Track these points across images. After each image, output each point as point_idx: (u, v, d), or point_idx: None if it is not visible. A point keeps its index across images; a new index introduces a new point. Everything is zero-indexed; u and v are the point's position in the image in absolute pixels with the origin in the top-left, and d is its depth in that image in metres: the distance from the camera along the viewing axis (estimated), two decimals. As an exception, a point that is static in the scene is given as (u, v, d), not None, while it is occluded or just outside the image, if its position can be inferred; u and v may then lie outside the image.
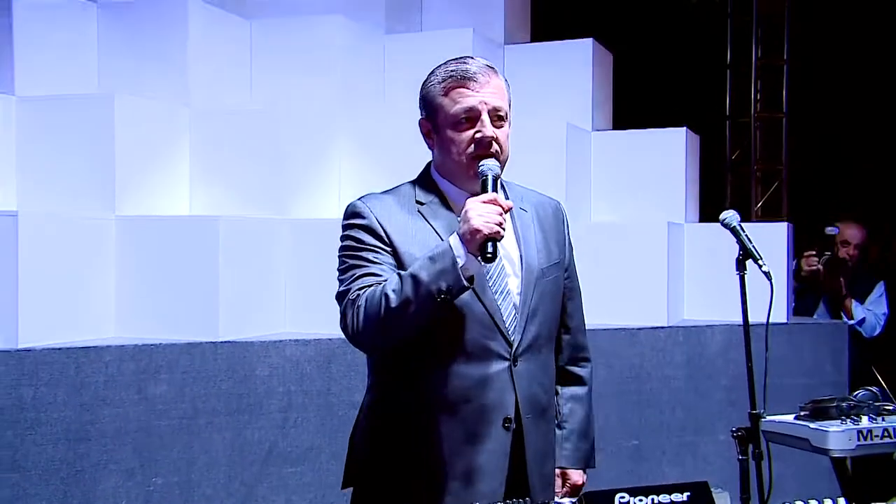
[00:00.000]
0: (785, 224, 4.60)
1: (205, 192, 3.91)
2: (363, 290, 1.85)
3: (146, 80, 3.97)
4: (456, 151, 1.92)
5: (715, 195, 6.31)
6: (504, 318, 1.92)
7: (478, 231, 1.76)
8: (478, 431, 1.89)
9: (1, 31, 3.75)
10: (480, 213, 1.78)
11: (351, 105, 4.30)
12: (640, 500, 1.49)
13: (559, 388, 2.13)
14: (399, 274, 1.83)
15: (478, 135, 1.90)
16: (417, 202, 1.96)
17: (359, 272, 1.88)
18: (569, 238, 2.13)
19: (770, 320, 2.03)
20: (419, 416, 1.91)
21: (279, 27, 4.33)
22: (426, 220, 1.94)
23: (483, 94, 1.91)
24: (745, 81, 6.72)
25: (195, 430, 3.23)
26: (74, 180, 3.58)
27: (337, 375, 3.43)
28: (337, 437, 3.39)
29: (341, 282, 1.92)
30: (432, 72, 1.99)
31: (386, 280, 1.83)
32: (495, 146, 1.91)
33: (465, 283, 1.79)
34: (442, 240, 1.86)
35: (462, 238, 1.79)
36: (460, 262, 1.78)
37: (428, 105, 1.98)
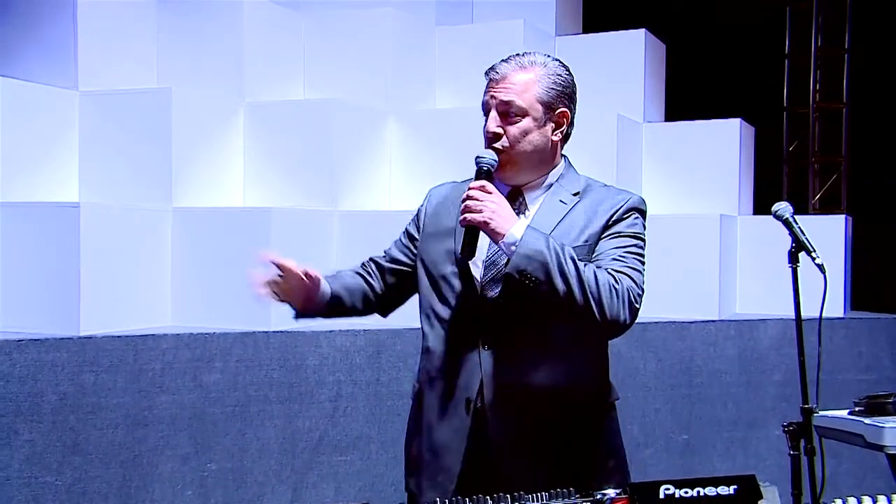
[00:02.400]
0: (843, 217, 4.50)
1: (258, 184, 3.98)
2: (367, 263, 2.13)
3: (203, 75, 4.06)
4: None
5: (771, 187, 6.17)
6: (484, 303, 1.91)
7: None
8: (447, 409, 1.95)
9: (65, 29, 3.87)
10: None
11: (402, 97, 4.32)
12: (686, 493, 1.48)
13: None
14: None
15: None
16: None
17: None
18: (610, 226, 1.99)
19: (825, 314, 2.00)
20: (419, 391, 2.04)
21: (331, 21, 4.38)
22: None
23: (495, 90, 1.94)
24: (804, 70, 6.55)
25: (248, 418, 3.30)
26: (133, 172, 3.69)
27: (386, 366, 3.46)
28: (386, 427, 3.42)
29: None
30: None
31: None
32: (504, 141, 1.92)
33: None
34: None
35: None
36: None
37: None
